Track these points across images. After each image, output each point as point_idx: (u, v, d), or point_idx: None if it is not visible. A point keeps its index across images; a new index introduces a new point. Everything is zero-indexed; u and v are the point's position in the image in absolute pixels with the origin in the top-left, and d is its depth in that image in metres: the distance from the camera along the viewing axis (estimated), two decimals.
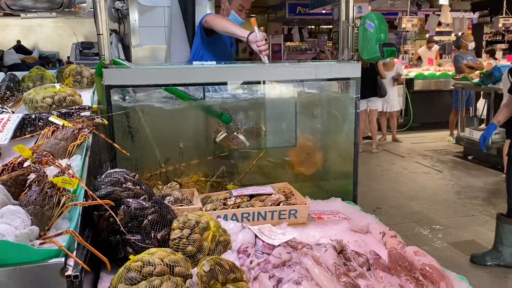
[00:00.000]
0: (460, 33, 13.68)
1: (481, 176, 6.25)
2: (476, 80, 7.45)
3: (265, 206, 1.81)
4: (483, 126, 7.36)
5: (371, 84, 7.42)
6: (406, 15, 10.48)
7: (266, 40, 2.51)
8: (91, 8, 2.57)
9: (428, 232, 4.38)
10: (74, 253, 1.14)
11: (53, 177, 1.34)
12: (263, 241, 1.52)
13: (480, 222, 4.60)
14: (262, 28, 18.06)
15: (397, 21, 11.54)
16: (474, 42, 8.55)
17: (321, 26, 17.59)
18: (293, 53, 16.09)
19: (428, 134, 7.93)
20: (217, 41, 3.00)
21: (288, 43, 16.33)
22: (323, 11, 12.98)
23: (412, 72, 9.46)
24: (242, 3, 3.02)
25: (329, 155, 2.50)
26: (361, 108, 7.39)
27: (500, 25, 10.78)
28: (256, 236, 1.57)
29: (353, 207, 2.10)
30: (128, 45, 3.49)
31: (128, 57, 3.49)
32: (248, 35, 2.52)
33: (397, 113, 8.55)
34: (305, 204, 1.84)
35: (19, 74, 2.38)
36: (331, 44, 14.52)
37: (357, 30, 2.22)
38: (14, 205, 1.24)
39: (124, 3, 3.47)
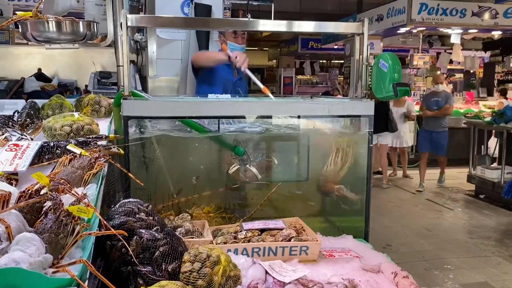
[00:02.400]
0: (471, 71, 13.79)
1: (493, 216, 6.14)
2: (488, 119, 7.44)
3: (276, 241, 1.80)
4: (495, 165, 7.31)
5: (382, 119, 7.44)
6: (418, 53, 10.60)
7: (236, 57, 2.78)
8: (112, 40, 2.66)
9: (439, 272, 4.28)
10: (86, 283, 1.14)
11: (69, 206, 1.36)
12: (274, 278, 1.51)
13: (492, 264, 4.49)
14: (274, 61, 18.40)
15: (408, 58, 11.66)
16: (443, 85, 7.70)
17: (332, 61, 17.86)
18: (304, 86, 16.29)
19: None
20: (209, 76, 3.10)
21: (299, 76, 16.58)
22: (335, 46, 13.23)
23: None
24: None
25: (341, 190, 2.50)
26: None
27: (511, 64, 10.84)
28: (266, 272, 1.56)
29: (364, 245, 2.08)
30: (145, 75, 3.58)
31: (144, 87, 3.57)
32: (228, 57, 2.86)
33: (407, 149, 8.53)
34: (317, 240, 1.83)
35: (39, 102, 2.44)
36: (342, 78, 14.69)
37: (370, 68, 2.26)
38: (29, 232, 1.25)
39: (143, 35, 3.59)
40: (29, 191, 1.44)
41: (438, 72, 10.25)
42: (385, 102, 7.24)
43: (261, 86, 2.65)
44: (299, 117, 2.29)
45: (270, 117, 2.33)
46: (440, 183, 7.82)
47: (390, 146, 8.07)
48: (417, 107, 8.67)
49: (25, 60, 4.18)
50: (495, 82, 13.49)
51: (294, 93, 15.08)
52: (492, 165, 7.29)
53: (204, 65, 3.09)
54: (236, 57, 2.80)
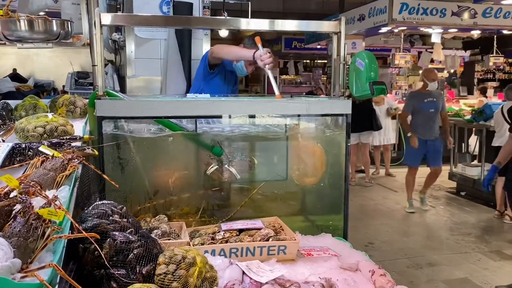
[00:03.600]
0: (452, 70, 14.00)
1: (474, 213, 6.24)
2: (468, 117, 7.56)
3: (254, 241, 1.79)
4: (475, 162, 7.42)
5: (365, 118, 7.50)
6: (399, 52, 10.71)
7: (269, 53, 2.60)
8: (87, 40, 2.62)
9: (420, 269, 4.32)
10: (56, 287, 1.12)
11: (39, 209, 1.33)
12: (251, 278, 1.50)
13: (473, 260, 4.56)
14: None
15: (390, 57, 11.77)
16: (436, 82, 6.03)
17: (316, 61, 17.93)
18: (288, 86, 16.34)
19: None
20: (219, 76, 3.04)
21: (283, 76, 16.62)
22: (318, 46, 13.30)
23: None
24: (253, 62, 3.05)
25: (320, 189, 2.50)
26: (353, 141, 7.37)
27: (491, 63, 11.04)
28: (243, 272, 1.55)
29: (343, 244, 2.08)
30: (124, 75, 3.54)
31: (123, 88, 3.53)
32: (254, 53, 2.65)
33: (390, 147, 8.60)
34: (295, 240, 1.82)
35: (13, 103, 2.39)
36: (325, 78, 14.78)
37: (348, 67, 2.26)
38: None
39: (121, 34, 3.54)
40: None
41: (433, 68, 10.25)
42: (367, 100, 7.30)
43: (277, 92, 2.47)
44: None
45: (249, 116, 2.31)
46: (423, 205, 6.47)
47: (374, 144, 8.14)
48: (399, 106, 8.72)
49: (0, 61, 4.09)
50: (475, 80, 13.73)
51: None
52: (472, 163, 7.40)
53: (224, 59, 2.94)
54: (265, 55, 2.59)
